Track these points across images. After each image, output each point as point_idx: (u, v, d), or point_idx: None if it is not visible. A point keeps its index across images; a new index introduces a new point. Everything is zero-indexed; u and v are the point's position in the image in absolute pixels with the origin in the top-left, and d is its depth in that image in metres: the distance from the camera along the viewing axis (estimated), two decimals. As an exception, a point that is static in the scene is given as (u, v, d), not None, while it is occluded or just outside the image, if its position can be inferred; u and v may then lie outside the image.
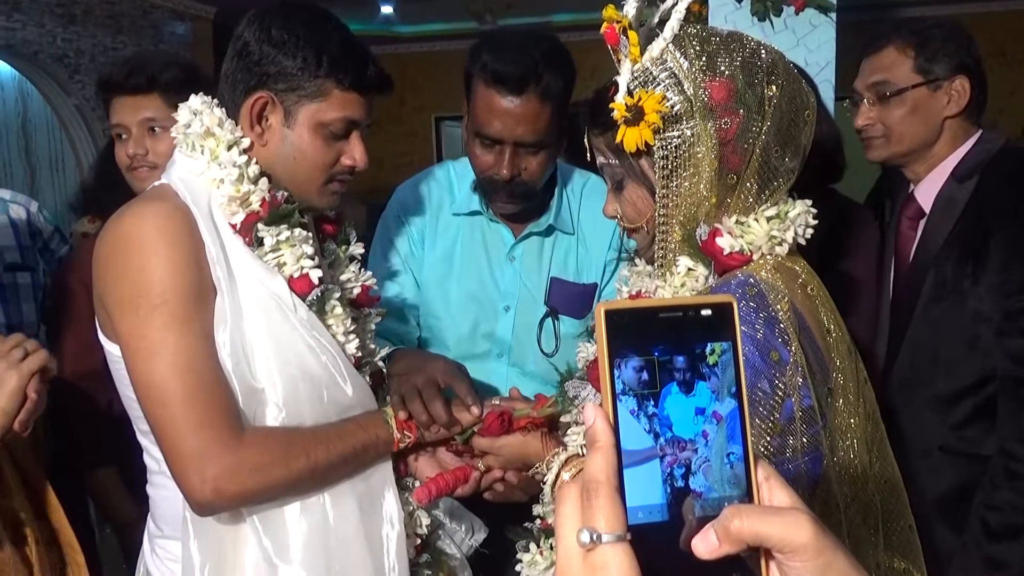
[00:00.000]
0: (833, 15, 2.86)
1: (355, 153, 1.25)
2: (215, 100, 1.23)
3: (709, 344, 0.48)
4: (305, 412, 1.17)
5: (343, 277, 1.35)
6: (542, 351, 1.70)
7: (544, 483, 1.22)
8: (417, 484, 1.31)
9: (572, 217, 1.76)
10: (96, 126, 5.58)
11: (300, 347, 1.16)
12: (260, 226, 1.16)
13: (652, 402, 0.47)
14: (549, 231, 1.74)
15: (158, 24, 6.30)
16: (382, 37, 7.92)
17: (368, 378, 1.30)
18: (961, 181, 1.67)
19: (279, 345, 1.14)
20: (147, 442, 1.25)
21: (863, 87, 1.75)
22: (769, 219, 1.05)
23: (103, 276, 1.13)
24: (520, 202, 1.66)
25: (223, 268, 1.13)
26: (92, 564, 1.46)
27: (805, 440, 0.99)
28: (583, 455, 1.21)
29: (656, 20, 1.06)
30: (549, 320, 1.70)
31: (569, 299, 1.71)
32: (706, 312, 0.49)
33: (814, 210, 1.10)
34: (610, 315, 0.47)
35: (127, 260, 1.11)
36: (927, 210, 1.72)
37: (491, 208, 1.71)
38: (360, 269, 1.38)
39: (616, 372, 0.47)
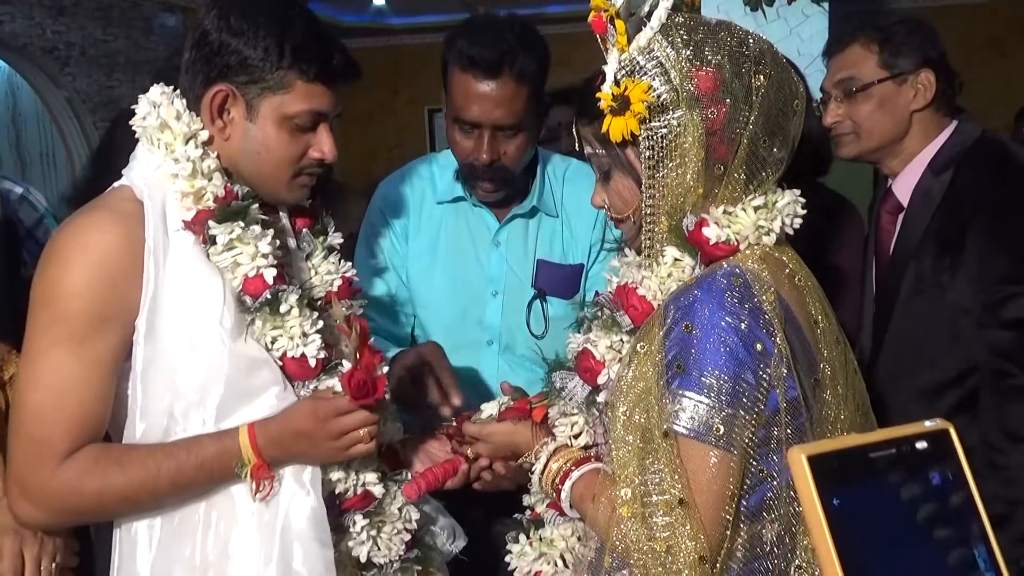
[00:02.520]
0: (826, 5, 2.84)
1: (323, 146, 1.19)
2: (176, 91, 1.18)
3: (933, 474, 0.44)
4: (225, 422, 1.13)
5: (322, 269, 1.30)
6: (532, 334, 1.70)
7: (532, 472, 1.22)
8: (408, 478, 1.31)
9: (555, 200, 1.76)
10: (87, 119, 5.54)
11: (222, 357, 1.11)
12: (211, 224, 1.12)
13: (881, 548, 0.42)
14: (533, 212, 1.75)
15: (148, 16, 6.24)
16: (374, 29, 7.88)
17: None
18: (937, 173, 1.67)
19: (202, 354, 1.11)
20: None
21: (830, 85, 1.76)
22: (756, 209, 1.05)
23: (35, 274, 1.12)
24: (501, 187, 1.66)
25: (158, 268, 1.09)
26: (85, 554, 1.47)
27: (790, 431, 0.98)
28: (571, 445, 1.21)
29: (645, 9, 1.06)
30: (537, 302, 1.71)
31: (556, 280, 1.72)
32: (921, 444, 0.44)
33: (803, 199, 1.09)
34: (814, 461, 0.42)
35: (49, 267, 1.10)
36: (905, 204, 1.72)
37: (473, 195, 1.72)
38: (339, 260, 1.33)
39: (833, 523, 0.41)
